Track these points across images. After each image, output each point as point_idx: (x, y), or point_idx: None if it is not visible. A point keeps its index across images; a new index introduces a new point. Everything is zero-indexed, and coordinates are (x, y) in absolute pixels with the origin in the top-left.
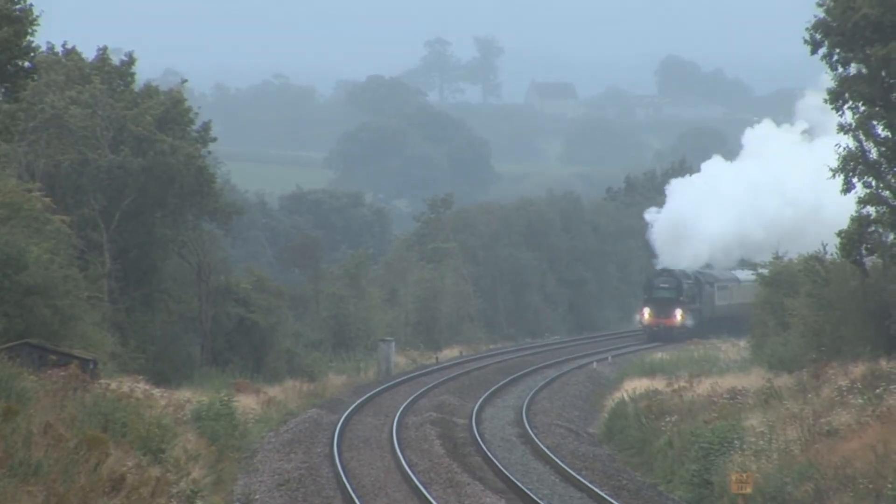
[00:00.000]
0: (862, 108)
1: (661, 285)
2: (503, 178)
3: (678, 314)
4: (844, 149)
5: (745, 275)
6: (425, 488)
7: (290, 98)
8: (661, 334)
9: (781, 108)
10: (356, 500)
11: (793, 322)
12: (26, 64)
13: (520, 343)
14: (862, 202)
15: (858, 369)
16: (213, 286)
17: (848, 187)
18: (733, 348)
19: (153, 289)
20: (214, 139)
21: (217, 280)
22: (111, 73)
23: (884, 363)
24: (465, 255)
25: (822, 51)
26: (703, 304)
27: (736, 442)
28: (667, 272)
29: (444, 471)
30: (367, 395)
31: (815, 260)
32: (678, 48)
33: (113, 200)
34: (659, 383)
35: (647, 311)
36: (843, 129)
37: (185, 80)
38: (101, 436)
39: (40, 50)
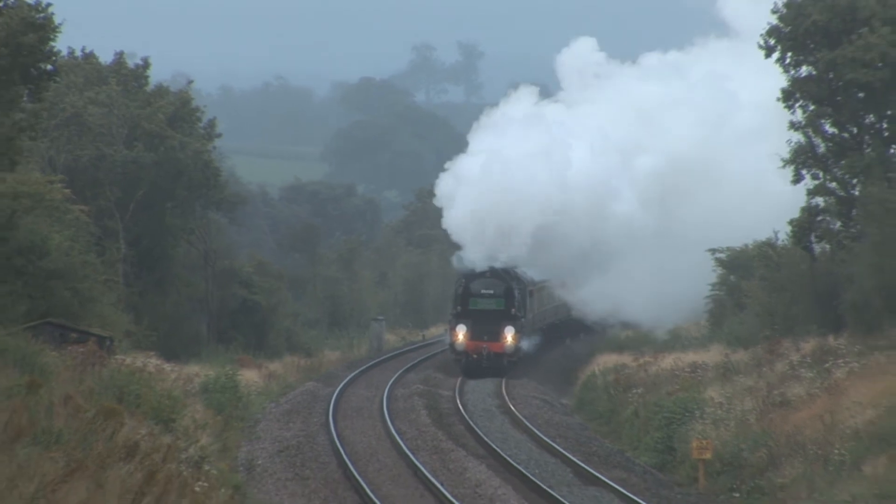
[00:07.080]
0: (811, 108)
1: (484, 292)
2: None
3: (509, 334)
4: (795, 144)
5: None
6: (413, 454)
7: (289, 98)
8: (486, 364)
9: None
10: (350, 465)
11: (748, 303)
12: (49, 67)
13: None
14: (812, 193)
15: (808, 345)
16: (218, 270)
17: (798, 178)
18: (695, 327)
19: (164, 273)
20: (220, 135)
21: (222, 264)
22: (127, 76)
23: (832, 340)
24: (449, 241)
25: (776, 55)
26: (527, 318)
27: (696, 412)
28: (491, 272)
29: (430, 438)
30: (360, 369)
31: (769, 246)
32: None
33: (127, 192)
34: (626, 358)
35: (461, 331)
36: (794, 126)
37: (192, 81)
38: (117, 407)
39: (61, 54)
